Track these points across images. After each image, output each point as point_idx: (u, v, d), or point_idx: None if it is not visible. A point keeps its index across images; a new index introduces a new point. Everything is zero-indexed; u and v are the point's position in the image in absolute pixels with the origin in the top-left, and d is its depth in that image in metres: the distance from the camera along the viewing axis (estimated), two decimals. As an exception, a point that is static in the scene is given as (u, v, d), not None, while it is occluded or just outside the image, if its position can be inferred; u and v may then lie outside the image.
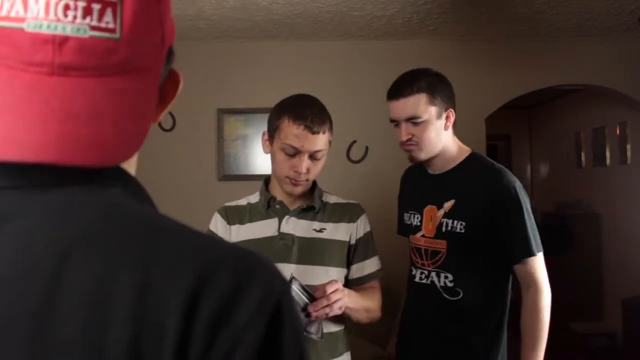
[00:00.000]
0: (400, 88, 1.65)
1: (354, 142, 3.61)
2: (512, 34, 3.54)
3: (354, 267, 1.58)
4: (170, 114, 3.48)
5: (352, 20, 3.24)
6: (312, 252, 1.52)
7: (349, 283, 1.59)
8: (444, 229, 1.66)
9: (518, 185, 1.67)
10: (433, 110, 1.63)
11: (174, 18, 0.58)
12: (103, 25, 0.46)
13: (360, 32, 3.47)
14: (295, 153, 1.46)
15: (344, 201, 1.64)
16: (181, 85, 0.58)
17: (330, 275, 1.51)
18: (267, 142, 1.55)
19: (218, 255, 0.47)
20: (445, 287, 1.65)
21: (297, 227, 1.54)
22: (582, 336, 4.40)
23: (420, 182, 1.79)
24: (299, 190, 1.52)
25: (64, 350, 0.41)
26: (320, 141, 1.48)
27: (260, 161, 3.57)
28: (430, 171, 1.75)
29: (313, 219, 1.56)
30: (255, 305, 0.45)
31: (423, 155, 1.67)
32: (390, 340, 1.98)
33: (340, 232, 1.56)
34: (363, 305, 1.52)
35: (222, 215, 1.61)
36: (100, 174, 0.48)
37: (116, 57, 0.47)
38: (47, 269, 0.43)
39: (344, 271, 1.57)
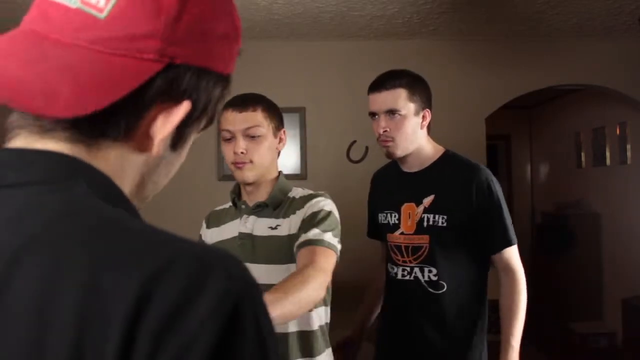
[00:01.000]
0: (383, 81, 1.71)
1: (354, 142, 3.61)
2: (512, 34, 3.54)
3: (299, 237, 1.40)
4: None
5: (352, 20, 3.24)
6: (270, 250, 1.47)
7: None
8: (425, 224, 1.70)
9: (494, 179, 1.74)
10: (411, 106, 1.69)
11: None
12: (93, 2, 0.48)
13: (360, 32, 3.47)
14: (231, 137, 1.49)
15: (307, 193, 1.55)
16: (170, 124, 0.52)
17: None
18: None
19: (171, 254, 0.43)
20: (429, 282, 1.70)
21: (256, 225, 1.51)
22: (582, 336, 4.40)
23: (396, 181, 1.82)
24: (247, 175, 1.48)
25: (5, 356, 0.40)
26: (251, 118, 1.47)
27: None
28: (405, 169, 1.79)
29: (270, 216, 1.52)
30: (208, 310, 0.41)
31: (399, 152, 1.72)
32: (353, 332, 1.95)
33: (293, 225, 1.47)
34: (285, 307, 1.17)
35: (205, 220, 1.66)
36: (68, 173, 0.48)
37: (89, 34, 0.48)
38: None
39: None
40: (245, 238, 1.50)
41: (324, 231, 1.40)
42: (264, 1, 2.88)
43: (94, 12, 0.48)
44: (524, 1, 2.95)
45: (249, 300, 0.44)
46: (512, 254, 1.72)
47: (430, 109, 1.76)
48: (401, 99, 1.68)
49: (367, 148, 3.61)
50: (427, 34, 3.52)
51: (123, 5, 0.49)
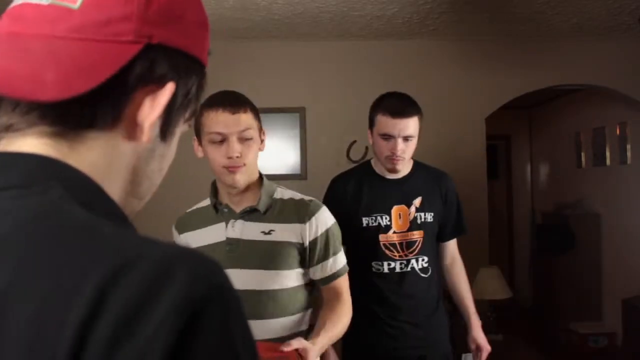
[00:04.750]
0: (403, 109, 1.89)
1: (354, 142, 3.61)
2: (512, 34, 3.54)
3: (316, 268, 1.51)
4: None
5: (352, 20, 3.24)
6: (260, 256, 1.46)
7: (314, 283, 1.55)
8: (418, 221, 1.99)
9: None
10: (419, 130, 1.94)
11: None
12: None
13: (360, 32, 3.48)
14: (222, 139, 1.42)
15: (298, 197, 1.55)
16: (157, 107, 0.52)
17: (283, 277, 1.46)
18: (198, 147, 1.49)
19: (131, 256, 0.41)
20: (422, 269, 2.01)
21: (244, 230, 1.48)
22: (582, 336, 4.40)
23: (381, 187, 2.01)
24: (239, 179, 1.45)
25: None
26: (244, 119, 1.43)
27: (260, 161, 3.57)
28: (391, 177, 2.01)
29: (261, 220, 1.48)
30: (163, 316, 0.38)
31: (403, 167, 1.98)
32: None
33: (290, 233, 1.48)
34: (331, 338, 1.45)
35: (175, 226, 1.60)
36: (45, 175, 0.47)
37: (65, 25, 0.49)
38: None
39: (300, 272, 1.50)
40: (234, 243, 1.47)
41: (338, 252, 1.54)
42: (264, 1, 2.88)
43: (67, 3, 0.50)
44: (524, 1, 2.95)
45: (215, 307, 0.41)
46: (455, 241, 2.16)
47: None
48: (416, 126, 1.91)
49: (367, 148, 3.61)
50: (427, 34, 3.52)
51: None
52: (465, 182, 2.71)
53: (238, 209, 1.50)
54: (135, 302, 0.38)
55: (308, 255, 1.49)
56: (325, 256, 1.50)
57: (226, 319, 0.41)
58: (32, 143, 0.49)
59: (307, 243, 1.48)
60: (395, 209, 1.98)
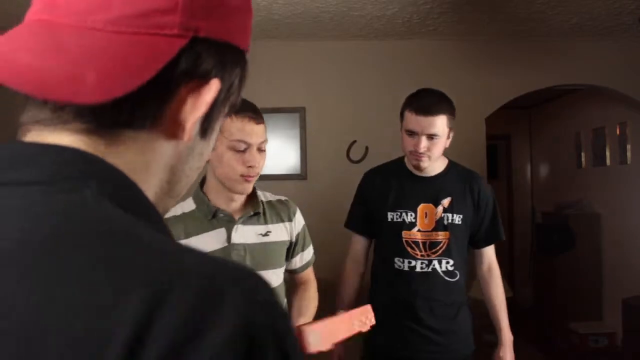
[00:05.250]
0: (430, 107, 1.87)
1: (354, 142, 3.61)
2: (512, 34, 3.54)
3: (295, 259, 1.66)
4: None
5: (352, 20, 3.24)
6: (262, 257, 1.50)
7: (288, 273, 1.68)
8: (445, 222, 1.95)
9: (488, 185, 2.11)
10: (447, 130, 1.91)
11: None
12: None
13: (360, 32, 3.48)
14: (245, 148, 1.43)
15: (275, 197, 1.63)
16: (201, 105, 0.48)
17: (277, 275, 1.57)
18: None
19: (177, 271, 0.37)
20: (446, 272, 1.96)
21: (245, 234, 1.50)
22: (582, 336, 4.40)
23: (410, 184, 2.00)
24: (250, 187, 1.48)
25: None
26: (263, 131, 1.47)
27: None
28: (420, 174, 1.99)
29: (257, 222, 1.53)
30: (219, 344, 0.35)
31: (428, 164, 1.94)
32: None
33: (282, 232, 1.57)
34: (312, 316, 1.60)
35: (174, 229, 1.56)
36: (78, 171, 0.43)
37: (103, 15, 0.45)
38: None
39: (283, 268, 1.63)
40: (239, 248, 1.48)
41: (310, 243, 1.71)
42: (264, 1, 2.88)
43: None
44: (524, 1, 2.95)
45: (273, 332, 0.37)
46: (494, 248, 2.13)
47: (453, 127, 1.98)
48: (443, 125, 1.88)
49: (367, 148, 3.61)
50: (427, 34, 3.52)
51: None
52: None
53: (236, 214, 1.51)
54: (185, 328, 0.35)
55: (292, 249, 1.64)
56: (303, 247, 1.67)
57: (285, 349, 0.38)
58: (65, 138, 0.45)
59: (293, 239, 1.62)
60: (421, 207, 1.96)
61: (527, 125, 6.37)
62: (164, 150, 0.49)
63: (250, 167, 1.43)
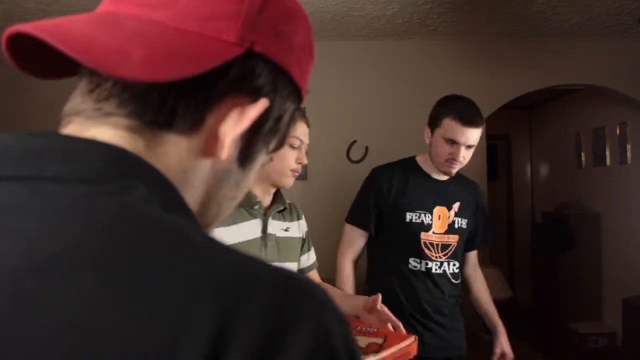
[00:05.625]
0: (476, 117, 1.91)
1: (354, 142, 3.61)
2: (512, 33, 3.54)
3: (303, 257, 1.75)
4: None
5: (352, 20, 3.24)
6: (286, 250, 1.62)
7: (299, 272, 1.75)
8: (456, 225, 2.02)
9: None
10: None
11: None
12: None
13: (360, 32, 3.48)
14: (299, 145, 1.56)
15: (291, 201, 1.77)
16: (244, 121, 0.46)
17: (295, 269, 1.67)
18: None
19: (250, 280, 0.36)
20: (453, 274, 2.03)
21: (274, 227, 1.60)
22: (582, 336, 4.40)
23: (426, 186, 2.03)
24: (292, 182, 1.61)
25: None
26: (308, 133, 1.62)
27: (260, 161, 3.57)
28: (436, 177, 2.04)
29: (280, 218, 1.64)
30: (302, 355, 0.33)
31: (456, 171, 2.00)
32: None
33: (297, 229, 1.70)
34: None
35: None
36: (123, 170, 0.41)
37: (167, 12, 0.45)
38: (10, 285, 0.33)
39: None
40: (272, 240, 1.58)
41: (312, 249, 1.79)
42: (264, 1, 2.88)
43: None
44: (524, 1, 2.95)
45: (345, 340, 0.36)
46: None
47: None
48: (479, 136, 1.95)
49: (367, 148, 3.61)
50: (427, 34, 3.52)
51: None
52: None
53: (268, 208, 1.62)
54: (265, 339, 0.33)
55: (302, 246, 1.73)
56: (308, 248, 1.76)
57: (352, 354, 0.37)
58: (106, 133, 0.43)
59: (304, 236, 1.73)
60: (436, 210, 2.00)
61: (527, 125, 6.37)
62: (202, 165, 0.47)
63: (299, 163, 1.57)
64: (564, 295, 4.78)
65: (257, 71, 0.46)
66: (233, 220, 1.55)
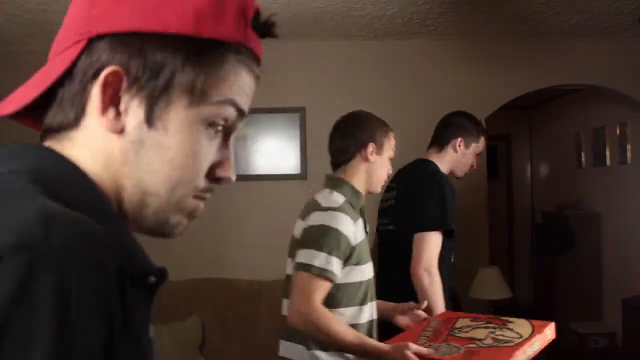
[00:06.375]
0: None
1: (354, 142, 3.61)
2: (512, 33, 3.54)
3: None
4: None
5: (352, 20, 3.24)
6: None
7: None
8: None
9: None
10: None
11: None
12: None
13: (360, 32, 3.47)
14: (393, 156, 1.85)
15: None
16: (98, 94, 0.52)
17: None
18: (374, 154, 1.78)
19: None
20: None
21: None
22: (582, 336, 4.40)
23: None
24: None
25: None
26: None
27: (260, 161, 3.57)
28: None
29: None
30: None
31: None
32: None
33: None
34: None
35: (346, 214, 1.69)
36: (14, 156, 0.50)
37: (58, 41, 0.56)
38: None
39: None
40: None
41: None
42: (264, 1, 2.87)
43: None
44: (524, 1, 2.95)
45: (48, 270, 0.38)
46: None
47: None
48: None
49: (367, 148, 3.61)
50: (427, 34, 3.52)
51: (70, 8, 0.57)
52: (465, 182, 2.71)
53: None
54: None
55: None
56: None
57: (63, 291, 0.40)
58: (49, 141, 0.56)
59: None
60: None
61: (527, 125, 6.37)
62: (110, 146, 0.53)
63: (389, 172, 1.85)
64: (564, 295, 4.78)
65: (97, 52, 0.52)
66: (355, 217, 1.71)
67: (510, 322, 1.56)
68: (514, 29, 3.45)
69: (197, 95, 0.54)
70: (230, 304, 3.30)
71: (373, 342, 1.56)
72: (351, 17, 3.18)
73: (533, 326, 1.50)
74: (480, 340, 1.47)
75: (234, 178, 0.60)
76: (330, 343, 1.56)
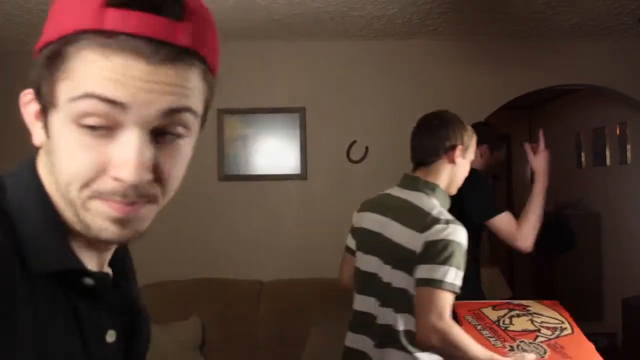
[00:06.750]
0: None
1: (354, 142, 3.61)
2: (512, 33, 3.54)
3: None
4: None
5: (352, 20, 3.24)
6: None
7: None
8: None
9: None
10: None
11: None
12: None
13: (360, 32, 3.47)
14: None
15: None
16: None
17: None
18: (459, 156, 1.79)
19: None
20: None
21: None
22: (582, 336, 4.40)
23: None
24: None
25: None
26: None
27: (260, 161, 3.57)
28: None
29: None
30: None
31: None
32: None
33: None
34: None
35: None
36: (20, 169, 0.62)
37: None
38: None
39: None
40: None
41: None
42: (264, 1, 2.88)
43: None
44: (524, 1, 2.95)
45: None
46: None
47: None
48: None
49: (367, 148, 3.61)
50: (427, 34, 3.52)
51: None
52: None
53: None
54: None
55: None
56: None
57: None
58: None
59: None
60: None
61: (527, 125, 6.37)
62: (49, 159, 0.59)
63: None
64: (564, 295, 4.77)
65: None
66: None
67: (528, 306, 1.66)
68: (514, 29, 3.45)
69: (50, 98, 0.56)
70: (230, 304, 3.30)
71: (498, 357, 1.58)
72: (351, 17, 3.18)
73: (555, 308, 1.65)
74: (536, 331, 1.61)
75: (128, 178, 0.53)
76: (465, 358, 1.54)
